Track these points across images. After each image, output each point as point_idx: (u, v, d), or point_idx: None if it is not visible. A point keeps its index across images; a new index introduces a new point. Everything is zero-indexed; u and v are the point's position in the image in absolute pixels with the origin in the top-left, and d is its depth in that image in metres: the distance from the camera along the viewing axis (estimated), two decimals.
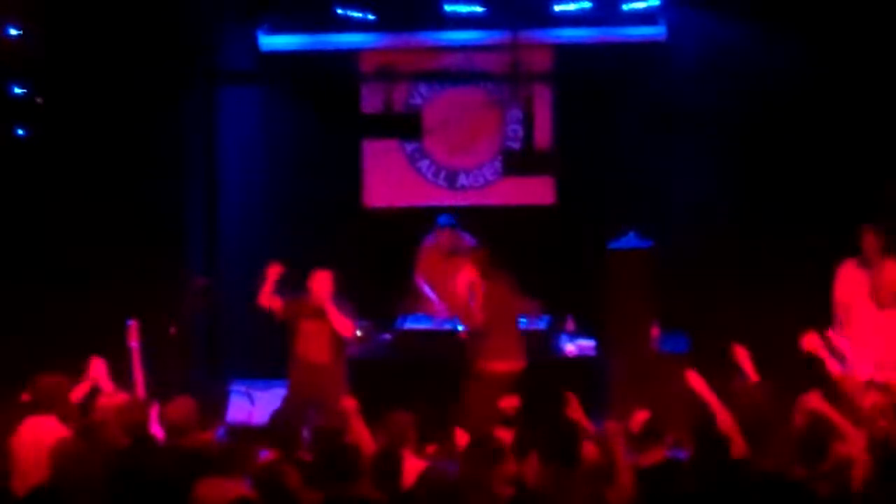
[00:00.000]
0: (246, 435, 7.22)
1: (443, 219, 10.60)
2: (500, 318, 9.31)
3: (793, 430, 6.77)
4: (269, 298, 9.19)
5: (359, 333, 10.10)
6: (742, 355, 7.76)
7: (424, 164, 11.76)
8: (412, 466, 6.59)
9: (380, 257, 10.10)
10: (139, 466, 6.40)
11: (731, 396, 8.19)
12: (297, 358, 9.28)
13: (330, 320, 9.10)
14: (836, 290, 9.23)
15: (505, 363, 9.25)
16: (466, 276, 9.36)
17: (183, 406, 7.10)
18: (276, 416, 7.23)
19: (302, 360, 9.25)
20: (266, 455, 6.81)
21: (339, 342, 9.22)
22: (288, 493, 5.89)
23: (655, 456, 6.71)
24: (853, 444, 6.63)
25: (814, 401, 7.05)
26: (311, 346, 9.21)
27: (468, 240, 10.59)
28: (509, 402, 7.64)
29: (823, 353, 8.02)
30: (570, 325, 10.19)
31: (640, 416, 6.91)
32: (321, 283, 9.14)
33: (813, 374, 8.33)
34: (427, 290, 10.52)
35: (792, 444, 6.45)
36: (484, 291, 9.26)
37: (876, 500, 5.84)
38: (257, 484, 6.01)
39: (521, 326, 9.65)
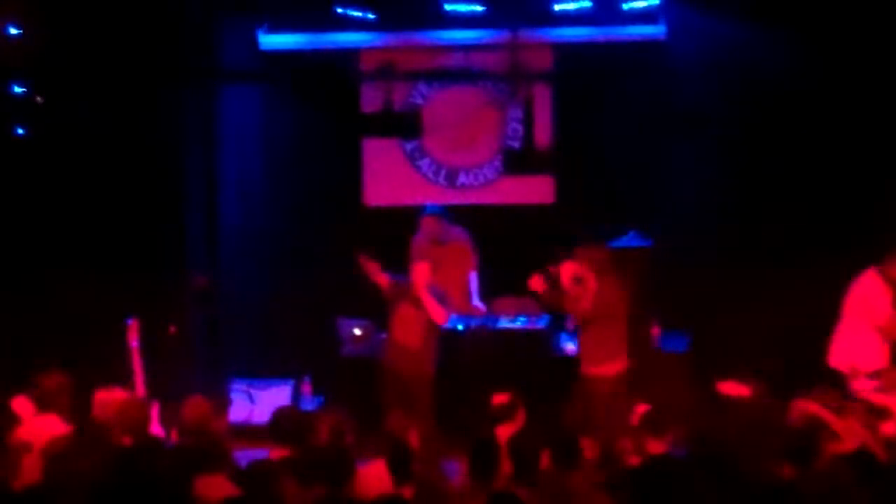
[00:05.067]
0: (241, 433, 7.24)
1: (429, 207, 10.60)
2: (605, 319, 9.16)
3: (786, 430, 6.78)
4: (377, 274, 9.60)
5: (357, 332, 10.16)
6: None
7: (424, 162, 11.76)
8: (374, 472, 6.61)
9: (380, 256, 10.08)
10: (139, 465, 6.41)
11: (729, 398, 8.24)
12: (392, 340, 9.65)
13: (426, 308, 9.46)
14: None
15: (606, 367, 9.13)
16: (571, 268, 9.27)
17: (197, 405, 7.11)
18: (280, 413, 7.22)
19: (395, 343, 9.60)
20: (271, 453, 6.84)
21: (431, 328, 9.53)
22: (277, 493, 5.90)
23: (656, 448, 6.73)
24: (847, 445, 6.64)
25: (809, 404, 7.05)
26: (406, 331, 9.54)
27: (457, 231, 10.58)
28: (498, 399, 7.63)
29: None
30: (570, 323, 10.18)
31: (640, 409, 6.95)
32: (419, 274, 9.51)
33: (813, 372, 8.34)
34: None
35: (784, 442, 6.45)
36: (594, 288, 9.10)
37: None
38: (247, 483, 6.02)
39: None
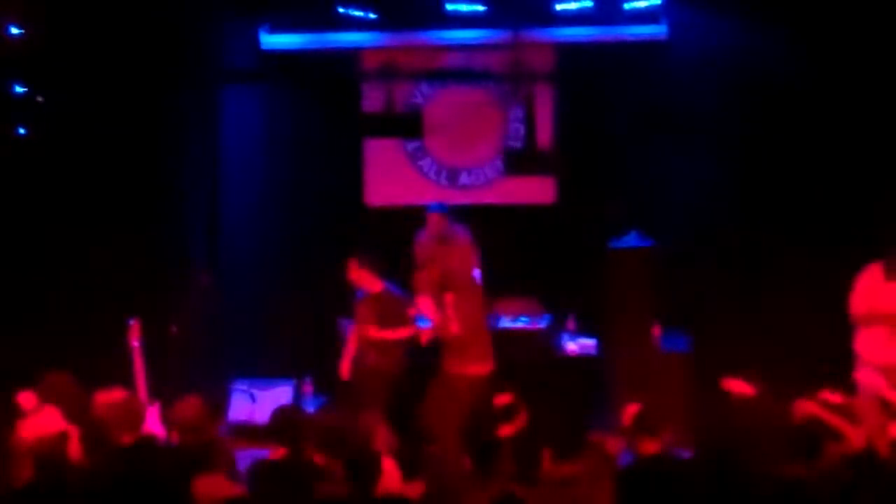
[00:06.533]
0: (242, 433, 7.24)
1: (433, 205, 10.59)
2: (472, 324, 9.09)
3: (788, 430, 6.77)
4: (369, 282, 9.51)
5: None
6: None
7: (426, 162, 11.76)
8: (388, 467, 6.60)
9: (381, 256, 10.09)
10: (138, 465, 6.41)
11: (731, 399, 8.21)
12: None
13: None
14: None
15: (480, 367, 9.07)
16: (426, 301, 9.18)
17: (192, 405, 7.11)
18: (280, 413, 7.21)
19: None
20: (271, 453, 6.84)
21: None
22: (278, 493, 5.92)
23: (650, 448, 6.73)
24: (850, 444, 6.63)
25: (810, 405, 7.04)
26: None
27: (460, 230, 10.57)
28: (502, 400, 7.62)
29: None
30: (572, 323, 10.19)
31: (631, 409, 6.94)
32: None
33: (814, 371, 8.33)
34: None
35: (787, 442, 6.45)
36: (454, 303, 9.01)
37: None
38: (250, 483, 6.03)
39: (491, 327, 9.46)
